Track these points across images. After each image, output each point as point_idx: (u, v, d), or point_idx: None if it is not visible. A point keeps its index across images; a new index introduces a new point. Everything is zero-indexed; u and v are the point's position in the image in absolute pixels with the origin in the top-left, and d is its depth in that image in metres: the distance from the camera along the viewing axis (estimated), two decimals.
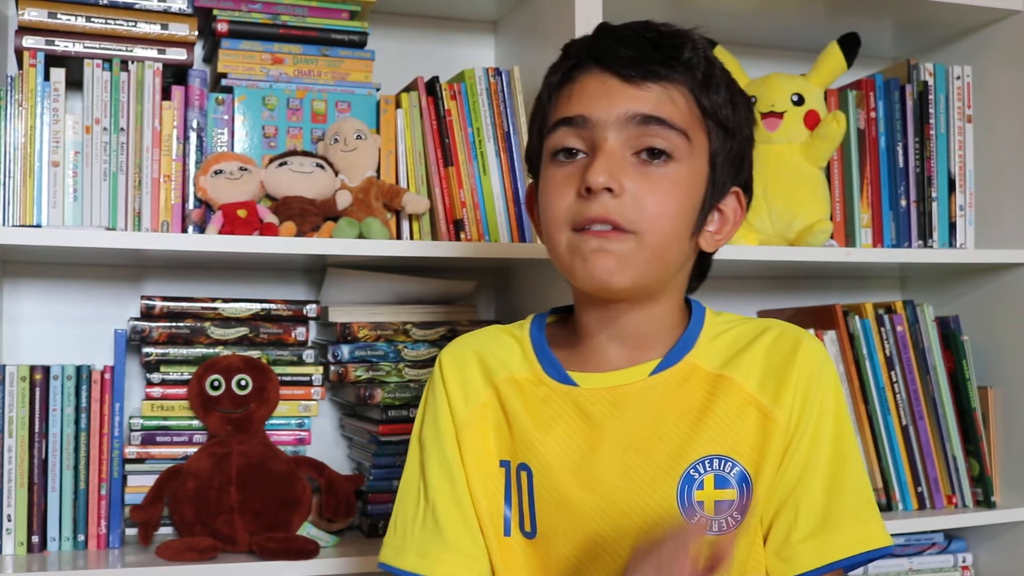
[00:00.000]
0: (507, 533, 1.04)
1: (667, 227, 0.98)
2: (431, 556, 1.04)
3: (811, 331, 1.77)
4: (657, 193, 0.98)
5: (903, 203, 1.88)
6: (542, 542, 1.03)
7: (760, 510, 1.00)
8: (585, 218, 0.97)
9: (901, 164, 1.88)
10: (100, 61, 1.52)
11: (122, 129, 1.52)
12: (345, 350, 1.61)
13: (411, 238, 1.62)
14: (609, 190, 0.96)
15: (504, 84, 1.66)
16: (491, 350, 1.09)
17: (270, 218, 1.51)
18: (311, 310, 1.63)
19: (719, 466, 0.99)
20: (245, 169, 1.54)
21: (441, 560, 1.04)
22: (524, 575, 1.04)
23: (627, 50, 1.00)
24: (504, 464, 1.05)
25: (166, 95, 1.55)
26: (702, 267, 1.10)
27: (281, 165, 1.55)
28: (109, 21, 1.55)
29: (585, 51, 1.03)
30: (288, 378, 1.59)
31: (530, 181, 1.12)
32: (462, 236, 1.61)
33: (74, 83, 1.53)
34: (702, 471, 0.99)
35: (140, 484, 1.52)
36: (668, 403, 1.02)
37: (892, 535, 1.05)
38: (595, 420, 1.02)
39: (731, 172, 1.05)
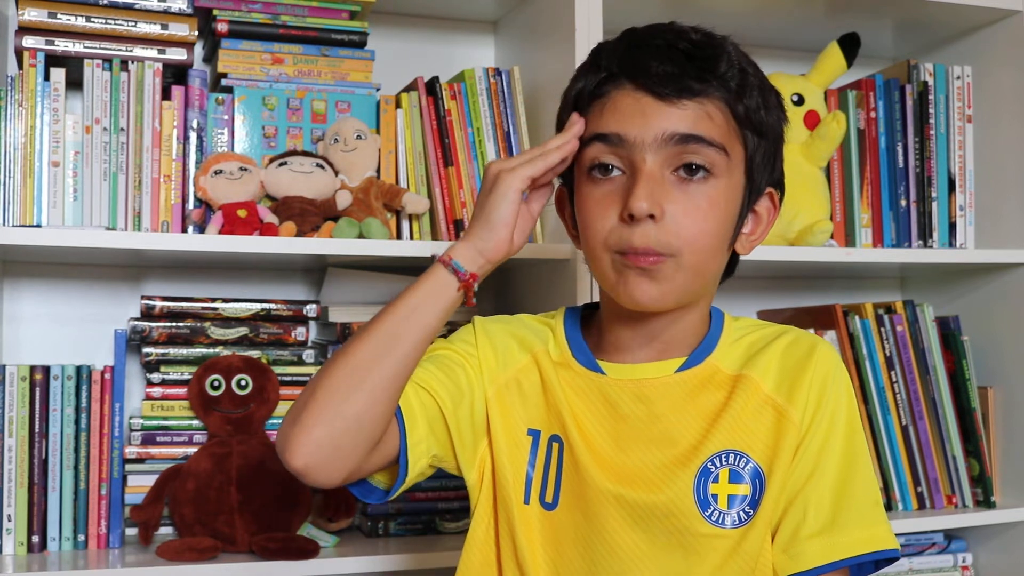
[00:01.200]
0: (526, 501, 1.06)
1: (705, 246, 0.99)
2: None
3: (811, 331, 1.78)
4: (696, 213, 0.98)
5: (903, 203, 1.88)
6: (561, 514, 1.04)
7: (771, 508, 1.02)
8: (629, 246, 0.98)
9: (901, 164, 1.88)
10: (100, 61, 1.51)
11: (122, 129, 1.52)
12: None
13: (411, 238, 1.62)
14: (651, 216, 0.97)
15: (504, 84, 1.66)
16: (525, 328, 1.12)
17: (270, 218, 1.51)
18: (311, 310, 1.63)
19: (734, 461, 1.02)
20: (245, 169, 1.54)
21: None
22: (538, 545, 1.05)
23: (660, 64, 0.98)
24: (532, 432, 1.07)
25: (166, 95, 1.55)
26: (730, 264, 1.11)
27: (281, 165, 1.55)
28: (109, 21, 1.55)
29: (616, 64, 1.01)
30: (288, 378, 1.59)
31: (559, 184, 1.12)
32: (462, 236, 1.61)
33: (74, 83, 1.53)
34: (718, 464, 1.02)
35: (140, 484, 1.52)
36: (690, 400, 1.04)
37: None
38: (620, 410, 1.04)
39: (766, 173, 1.05)
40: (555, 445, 1.05)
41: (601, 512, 1.02)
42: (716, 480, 1.01)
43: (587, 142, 1.01)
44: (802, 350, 1.05)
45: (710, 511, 1.01)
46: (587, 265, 1.07)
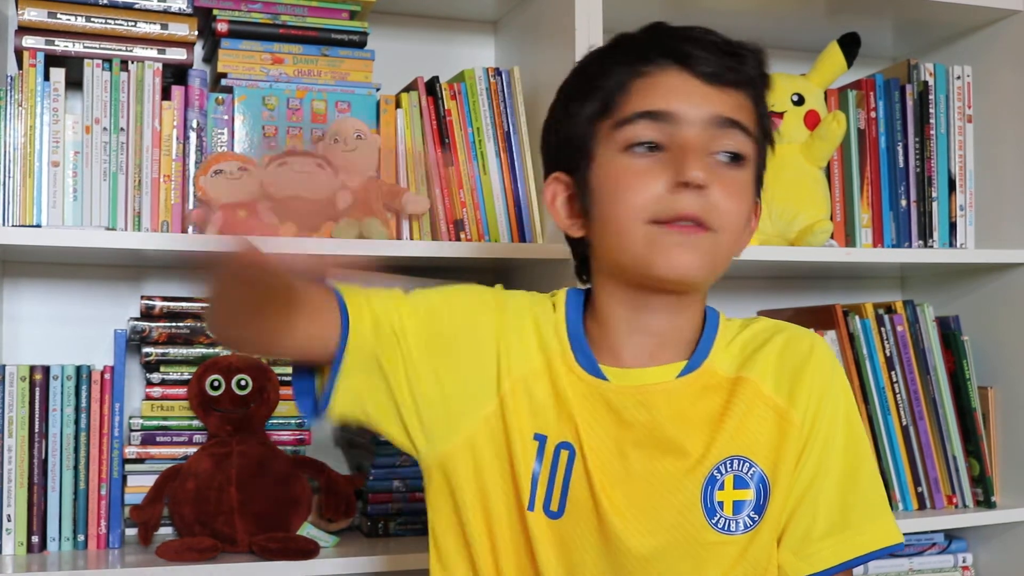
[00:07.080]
0: (531, 508, 1.02)
1: (737, 226, 1.01)
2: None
3: (811, 330, 1.77)
4: (733, 195, 0.99)
5: (903, 203, 1.88)
6: (568, 524, 1.01)
7: (777, 512, 1.01)
8: (676, 213, 0.97)
9: (901, 164, 1.88)
10: (100, 61, 1.52)
11: (122, 129, 1.52)
12: None
13: (411, 238, 1.62)
14: (701, 187, 0.97)
15: (504, 84, 1.66)
16: (543, 319, 1.07)
17: (270, 218, 1.51)
18: None
19: (738, 466, 1.01)
20: (245, 169, 1.54)
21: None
22: (541, 554, 1.01)
23: (702, 51, 1.00)
24: (539, 438, 1.03)
25: (166, 95, 1.55)
26: None
27: (281, 165, 1.55)
28: (109, 21, 1.55)
29: (657, 47, 1.01)
30: (288, 378, 1.59)
31: (556, 175, 1.07)
32: (462, 236, 1.61)
33: (74, 83, 1.53)
34: (723, 471, 1.00)
35: (140, 484, 1.52)
36: (692, 406, 1.03)
37: None
38: (624, 418, 1.02)
39: (760, 180, 1.07)
40: (564, 452, 1.02)
41: (610, 522, 1.00)
42: (722, 487, 1.00)
43: (631, 120, 0.99)
44: (801, 349, 1.05)
45: (716, 518, 1.00)
46: (596, 249, 1.04)
